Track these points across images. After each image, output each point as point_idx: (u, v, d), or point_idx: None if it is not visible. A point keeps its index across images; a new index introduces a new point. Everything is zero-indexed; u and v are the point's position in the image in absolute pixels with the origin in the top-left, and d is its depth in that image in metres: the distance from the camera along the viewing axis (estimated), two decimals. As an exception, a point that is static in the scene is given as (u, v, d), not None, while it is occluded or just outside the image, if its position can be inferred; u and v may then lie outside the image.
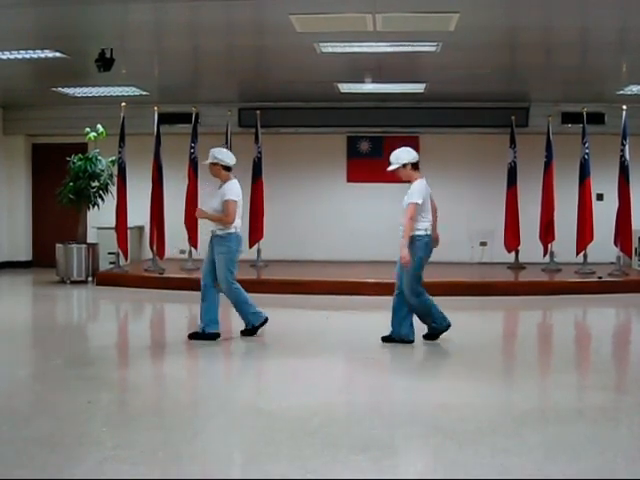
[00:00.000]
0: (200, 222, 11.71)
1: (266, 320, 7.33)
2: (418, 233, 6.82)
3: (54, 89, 11.87)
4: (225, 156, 7.32)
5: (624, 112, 11.22)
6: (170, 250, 11.89)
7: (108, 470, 3.62)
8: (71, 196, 11.76)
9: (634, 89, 11.38)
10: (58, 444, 4.01)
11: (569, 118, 12.71)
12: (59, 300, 10.70)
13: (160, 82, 11.88)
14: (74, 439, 4.10)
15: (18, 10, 7.43)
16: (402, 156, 6.95)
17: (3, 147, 14.03)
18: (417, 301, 6.96)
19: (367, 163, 13.60)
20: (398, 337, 7.02)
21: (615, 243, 11.44)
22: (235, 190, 7.23)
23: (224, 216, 7.09)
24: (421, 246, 6.84)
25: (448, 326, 7.06)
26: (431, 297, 7.07)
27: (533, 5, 7.35)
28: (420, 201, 6.75)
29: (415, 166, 6.98)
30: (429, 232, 6.88)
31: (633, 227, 11.44)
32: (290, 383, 5.58)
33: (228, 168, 7.30)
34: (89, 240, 12.41)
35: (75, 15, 7.75)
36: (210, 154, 7.33)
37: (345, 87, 11.85)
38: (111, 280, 11.37)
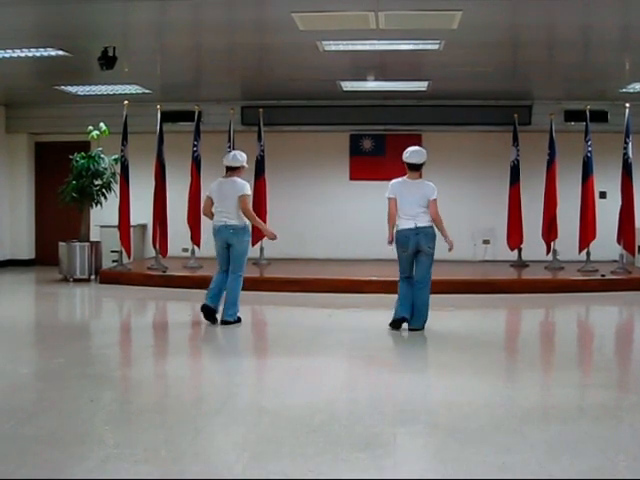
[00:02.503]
0: (203, 220, 11.77)
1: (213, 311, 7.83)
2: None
3: (57, 87, 11.88)
4: None
5: (627, 110, 11.22)
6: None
7: (110, 468, 3.62)
8: (74, 194, 11.78)
9: (637, 87, 11.37)
10: (60, 442, 4.01)
11: (572, 116, 12.71)
12: (62, 298, 10.72)
13: (163, 80, 11.89)
14: (76, 437, 4.10)
15: (21, 8, 7.45)
16: (404, 154, 7.57)
17: (6, 145, 14.06)
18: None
19: (370, 161, 13.61)
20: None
21: (618, 241, 11.44)
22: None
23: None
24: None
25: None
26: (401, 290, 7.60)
27: (536, 3, 7.34)
28: (389, 195, 7.46)
29: (410, 166, 7.50)
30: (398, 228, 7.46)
31: (636, 225, 11.46)
32: (292, 381, 5.58)
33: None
34: (92, 238, 12.41)
35: (78, 13, 7.76)
36: (244, 158, 7.98)
37: (348, 85, 11.86)
38: (114, 278, 11.37)
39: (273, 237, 8.09)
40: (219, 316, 7.75)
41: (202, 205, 8.09)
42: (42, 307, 10.23)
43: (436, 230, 7.47)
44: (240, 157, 7.90)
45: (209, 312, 7.74)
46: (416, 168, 7.51)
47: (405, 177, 7.52)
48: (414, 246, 7.38)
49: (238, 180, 7.83)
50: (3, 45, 9.00)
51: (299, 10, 7.53)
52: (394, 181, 7.54)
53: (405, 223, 7.38)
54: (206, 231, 11.64)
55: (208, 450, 3.98)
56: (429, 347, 7.16)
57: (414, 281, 7.53)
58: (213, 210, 7.85)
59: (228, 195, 7.73)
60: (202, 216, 11.48)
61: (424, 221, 7.37)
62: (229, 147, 12.09)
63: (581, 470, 3.63)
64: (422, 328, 7.47)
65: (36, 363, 6.35)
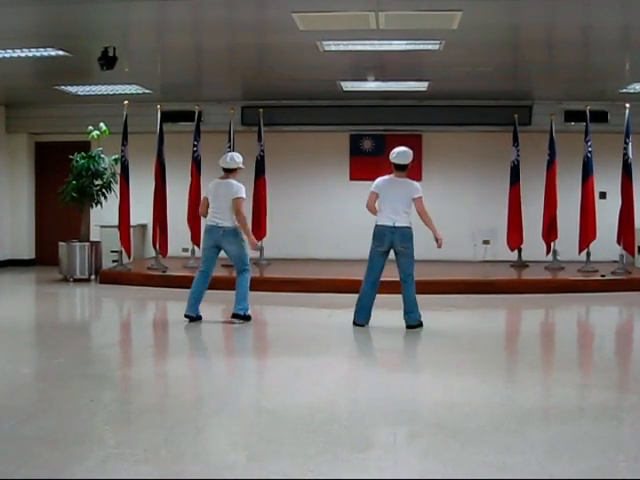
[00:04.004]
0: (203, 220, 11.76)
1: (197, 318, 7.94)
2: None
3: (57, 87, 11.88)
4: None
5: (627, 110, 11.22)
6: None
7: (110, 469, 3.62)
8: (74, 194, 11.79)
9: (637, 87, 11.38)
10: (60, 442, 4.01)
11: (572, 116, 12.71)
12: (62, 298, 10.72)
13: (163, 80, 11.89)
14: (76, 437, 4.10)
15: (21, 8, 7.45)
16: (390, 154, 7.73)
17: (6, 145, 14.06)
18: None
19: (370, 161, 13.58)
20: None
21: (618, 241, 11.44)
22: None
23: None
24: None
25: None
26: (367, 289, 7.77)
27: (536, 3, 7.35)
28: (372, 189, 7.68)
29: (396, 166, 7.62)
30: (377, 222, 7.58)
31: (636, 225, 11.47)
32: (292, 381, 5.58)
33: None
34: (92, 238, 12.42)
35: (78, 13, 7.76)
36: (241, 160, 8.03)
37: (348, 85, 11.86)
38: (114, 278, 11.38)
39: (254, 247, 8.11)
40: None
41: (200, 205, 8.21)
42: (42, 307, 10.23)
43: (414, 230, 7.55)
44: (237, 159, 7.97)
45: (193, 320, 7.91)
46: (402, 168, 7.63)
47: (392, 175, 7.66)
48: (389, 244, 7.52)
49: (233, 182, 7.89)
50: (3, 45, 9.00)
51: (299, 10, 7.53)
52: (380, 178, 7.71)
53: (384, 220, 7.52)
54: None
55: (208, 450, 3.98)
56: (429, 347, 7.16)
57: (401, 279, 7.63)
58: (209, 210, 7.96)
59: (222, 197, 7.81)
60: (198, 217, 11.69)
61: (403, 221, 7.48)
62: (229, 147, 12.11)
63: (581, 470, 3.64)
64: (418, 325, 7.55)
65: (36, 363, 6.35)
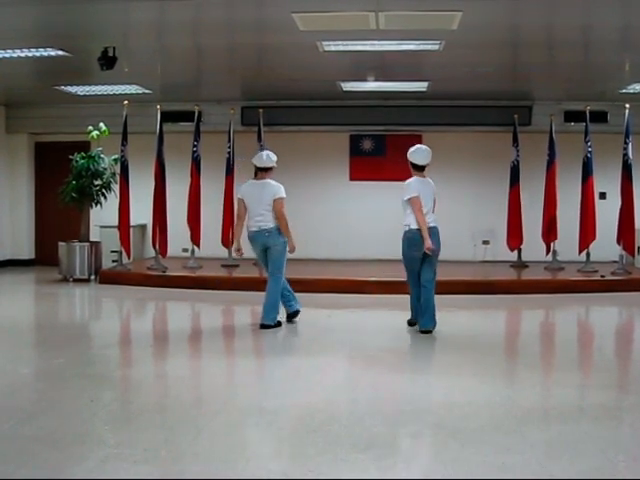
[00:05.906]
0: (203, 220, 11.76)
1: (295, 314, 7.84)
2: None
3: (57, 87, 11.89)
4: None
5: (627, 111, 11.23)
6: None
7: (110, 469, 3.62)
8: (74, 194, 11.79)
9: (637, 88, 11.38)
10: (60, 442, 4.01)
11: (572, 117, 12.71)
12: (62, 298, 10.71)
13: (163, 80, 11.89)
14: (76, 437, 4.10)
15: (21, 8, 7.45)
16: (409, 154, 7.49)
17: (6, 145, 14.06)
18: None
19: (370, 161, 13.62)
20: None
21: (618, 242, 11.44)
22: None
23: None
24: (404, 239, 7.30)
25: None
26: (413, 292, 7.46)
27: (536, 3, 7.34)
28: (414, 194, 7.18)
29: (415, 166, 7.40)
30: (410, 226, 7.21)
31: (636, 226, 11.47)
32: (292, 381, 5.58)
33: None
34: (92, 238, 12.41)
35: (78, 14, 7.76)
36: (275, 158, 7.79)
37: (348, 85, 11.86)
38: (114, 278, 11.37)
39: (293, 250, 7.63)
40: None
41: (236, 210, 7.77)
42: (42, 307, 10.22)
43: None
44: (272, 157, 7.72)
45: (295, 315, 7.82)
46: (421, 169, 7.44)
47: (416, 177, 7.39)
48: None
49: (272, 182, 7.64)
50: (3, 45, 9.00)
51: (299, 10, 7.53)
52: (413, 180, 7.33)
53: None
54: (206, 231, 11.76)
55: (208, 450, 3.97)
56: (429, 347, 7.15)
57: (422, 282, 7.35)
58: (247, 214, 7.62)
59: (262, 198, 7.51)
60: (198, 217, 11.70)
61: (432, 221, 7.27)
62: (229, 147, 12.14)
63: (581, 470, 3.64)
64: (428, 332, 7.35)
65: (36, 363, 6.34)
